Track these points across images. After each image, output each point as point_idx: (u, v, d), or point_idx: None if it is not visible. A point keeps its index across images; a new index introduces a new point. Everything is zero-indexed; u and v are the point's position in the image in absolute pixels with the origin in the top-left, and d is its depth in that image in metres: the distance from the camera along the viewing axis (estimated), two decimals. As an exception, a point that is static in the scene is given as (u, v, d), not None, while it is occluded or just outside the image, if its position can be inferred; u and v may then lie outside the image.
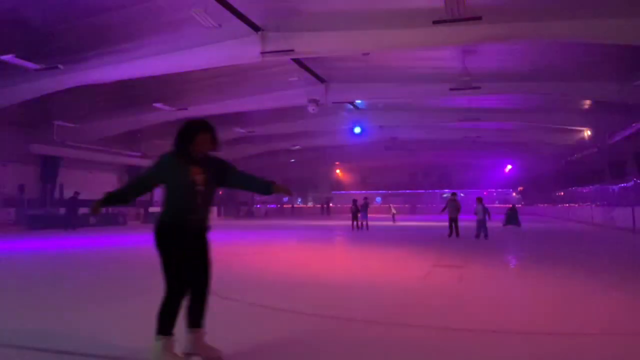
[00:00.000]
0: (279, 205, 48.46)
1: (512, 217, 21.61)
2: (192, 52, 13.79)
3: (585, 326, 4.59)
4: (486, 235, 14.32)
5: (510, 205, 24.01)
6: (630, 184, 21.04)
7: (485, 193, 45.94)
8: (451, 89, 17.11)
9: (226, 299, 5.59)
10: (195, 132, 3.47)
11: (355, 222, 20.01)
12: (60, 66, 14.78)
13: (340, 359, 3.70)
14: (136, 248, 12.85)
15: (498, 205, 44.10)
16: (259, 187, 3.75)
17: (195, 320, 3.51)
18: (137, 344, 3.95)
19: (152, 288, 6.73)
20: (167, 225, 3.38)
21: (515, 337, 4.20)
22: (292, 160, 41.06)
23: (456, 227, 15.14)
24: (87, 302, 5.73)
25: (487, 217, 14.50)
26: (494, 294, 6.24)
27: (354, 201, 20.67)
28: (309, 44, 13.28)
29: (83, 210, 21.49)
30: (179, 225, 3.37)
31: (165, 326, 3.34)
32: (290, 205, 48.79)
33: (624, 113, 20.05)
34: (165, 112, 21.60)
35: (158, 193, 29.71)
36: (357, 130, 27.94)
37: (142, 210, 28.61)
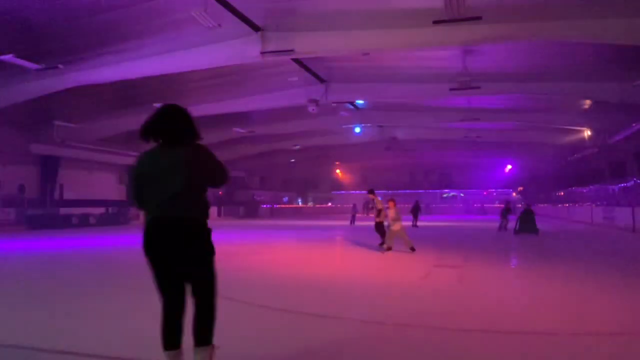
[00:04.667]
0: (278, 206, 48.47)
1: (526, 221, 16.87)
2: (192, 52, 13.78)
3: (586, 326, 4.59)
4: (390, 248, 10.97)
5: (524, 207, 18.54)
6: (630, 184, 21.06)
7: (485, 193, 45.99)
8: (451, 89, 17.10)
9: (227, 299, 5.58)
10: None
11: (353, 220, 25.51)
12: (60, 66, 14.77)
13: (339, 359, 3.70)
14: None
15: (498, 205, 44.16)
16: None
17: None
18: (135, 343, 3.95)
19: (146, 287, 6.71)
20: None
21: (515, 338, 4.19)
22: (292, 160, 41.06)
23: (381, 234, 11.89)
24: (88, 301, 5.73)
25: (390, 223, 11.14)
26: (494, 294, 6.24)
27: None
28: (309, 44, 13.28)
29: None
30: None
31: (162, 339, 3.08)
32: (304, 205, 49.52)
33: (624, 113, 20.04)
34: (165, 112, 21.54)
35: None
36: (357, 130, 28.00)
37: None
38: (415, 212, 23.15)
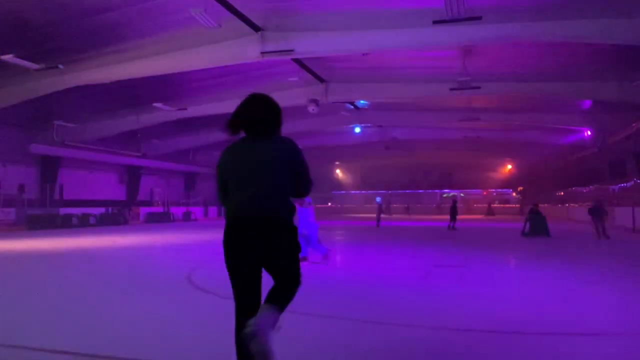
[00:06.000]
0: None
1: (537, 223, 15.43)
2: (192, 52, 13.80)
3: (585, 326, 4.59)
4: (326, 256, 8.89)
5: (532, 207, 16.45)
6: (630, 184, 21.06)
7: (485, 193, 45.96)
8: (451, 89, 17.13)
9: (226, 298, 5.58)
10: None
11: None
12: (60, 66, 14.79)
13: (334, 359, 3.69)
14: (136, 247, 12.86)
15: (498, 205, 44.09)
16: None
17: None
18: (135, 342, 3.95)
19: (154, 287, 6.71)
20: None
21: (515, 338, 4.19)
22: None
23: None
24: (87, 301, 5.72)
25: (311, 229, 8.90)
26: (494, 294, 6.24)
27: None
28: (309, 44, 13.29)
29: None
30: None
31: None
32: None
33: (624, 113, 20.05)
34: (165, 112, 21.62)
35: (158, 193, 28.89)
36: (357, 130, 28.00)
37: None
38: (454, 212, 19.52)
